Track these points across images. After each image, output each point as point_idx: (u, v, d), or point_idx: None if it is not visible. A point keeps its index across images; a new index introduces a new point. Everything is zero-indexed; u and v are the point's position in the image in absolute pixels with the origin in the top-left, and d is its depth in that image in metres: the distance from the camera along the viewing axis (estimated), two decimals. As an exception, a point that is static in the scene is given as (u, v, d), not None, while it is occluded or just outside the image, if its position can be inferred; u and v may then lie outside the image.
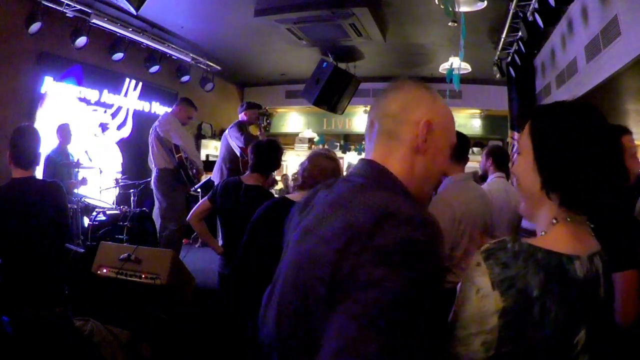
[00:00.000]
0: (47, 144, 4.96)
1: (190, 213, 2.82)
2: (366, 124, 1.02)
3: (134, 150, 6.64)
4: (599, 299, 0.85)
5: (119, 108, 6.61)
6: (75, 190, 4.75)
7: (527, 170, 0.91)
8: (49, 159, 4.71)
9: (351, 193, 0.88)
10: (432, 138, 0.95)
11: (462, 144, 2.60)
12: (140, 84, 6.87)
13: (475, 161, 5.64)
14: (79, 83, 5.87)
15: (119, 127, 6.64)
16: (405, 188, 0.92)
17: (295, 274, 0.83)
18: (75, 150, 5.16)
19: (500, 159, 3.36)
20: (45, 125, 5.27)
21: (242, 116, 5.29)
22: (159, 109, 7.19)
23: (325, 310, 0.75)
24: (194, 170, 4.73)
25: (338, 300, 0.74)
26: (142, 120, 6.71)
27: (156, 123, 4.70)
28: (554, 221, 0.88)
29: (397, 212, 0.78)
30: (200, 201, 2.88)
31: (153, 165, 4.70)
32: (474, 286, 0.80)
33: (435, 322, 0.82)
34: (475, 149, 8.58)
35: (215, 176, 5.17)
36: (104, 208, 5.09)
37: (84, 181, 4.90)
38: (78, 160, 4.93)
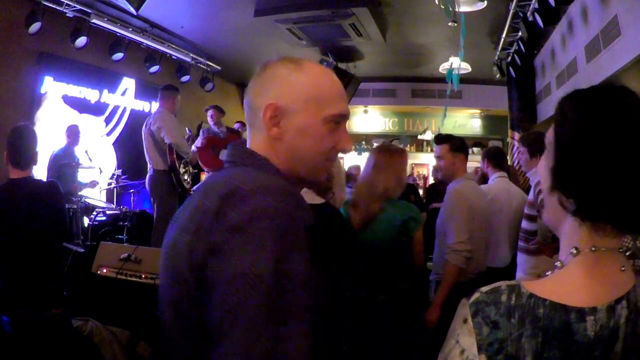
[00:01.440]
0: (47, 144, 4.98)
1: None
2: None
3: (134, 151, 6.62)
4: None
5: (115, 109, 6.58)
6: (80, 192, 4.74)
7: (546, 170, 0.73)
8: (55, 157, 4.72)
9: (212, 177, 0.87)
10: (287, 119, 0.86)
11: (467, 148, 2.72)
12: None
13: (474, 161, 5.65)
14: (79, 83, 5.88)
15: (110, 133, 6.59)
16: (277, 168, 0.87)
17: (165, 264, 0.82)
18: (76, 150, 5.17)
19: (496, 159, 3.39)
20: (45, 125, 5.28)
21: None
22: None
23: (195, 299, 0.73)
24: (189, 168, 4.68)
25: (204, 290, 0.72)
26: (141, 120, 6.69)
27: (150, 119, 4.56)
28: (573, 251, 0.68)
29: (243, 184, 0.75)
30: None
31: (149, 164, 4.61)
32: (458, 345, 0.68)
33: (320, 295, 0.78)
34: (475, 149, 8.59)
35: None
36: (104, 208, 5.10)
37: (93, 183, 4.90)
38: (78, 160, 4.93)
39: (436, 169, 3.03)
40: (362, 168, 4.22)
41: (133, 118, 6.83)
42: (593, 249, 0.67)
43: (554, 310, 0.64)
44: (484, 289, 0.69)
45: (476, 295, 0.69)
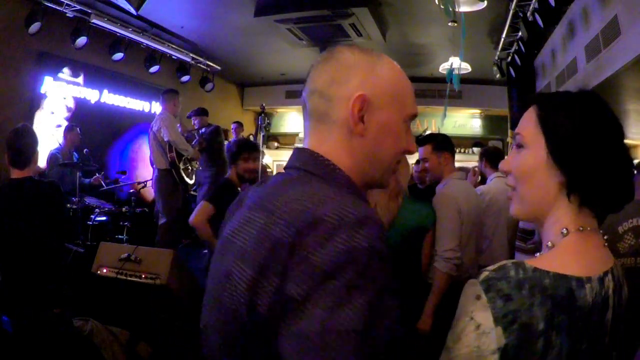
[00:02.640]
0: (47, 144, 4.98)
1: (193, 215, 2.81)
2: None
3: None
4: (605, 326, 0.75)
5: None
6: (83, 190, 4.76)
7: (539, 167, 0.77)
8: (52, 157, 4.74)
9: (277, 190, 0.72)
10: (372, 114, 0.76)
11: (452, 145, 2.62)
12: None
13: (474, 161, 5.65)
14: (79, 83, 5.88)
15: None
16: (348, 177, 0.76)
17: (216, 291, 0.70)
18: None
19: (493, 159, 3.39)
20: (44, 126, 5.28)
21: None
22: (159, 109, 7.17)
23: (255, 338, 0.63)
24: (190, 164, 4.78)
25: (270, 333, 0.60)
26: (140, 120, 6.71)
27: (152, 122, 4.79)
28: (564, 231, 0.76)
29: (326, 216, 0.62)
30: (201, 204, 2.86)
31: (153, 166, 4.74)
32: (472, 322, 0.70)
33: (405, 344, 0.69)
34: (475, 149, 8.58)
35: None
36: (104, 208, 5.10)
37: (96, 180, 4.94)
38: (78, 160, 4.93)
39: (416, 170, 2.89)
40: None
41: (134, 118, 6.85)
42: (580, 229, 0.76)
43: (558, 279, 0.71)
44: (490, 267, 0.74)
45: (485, 273, 0.73)
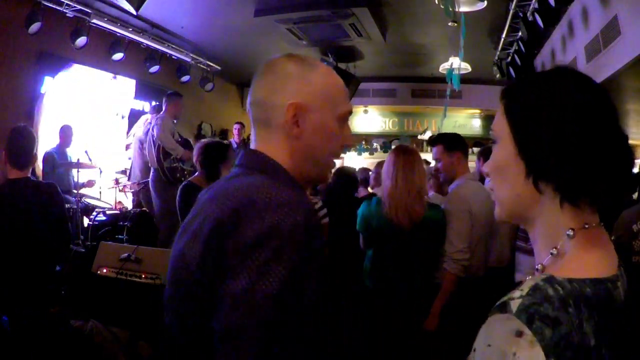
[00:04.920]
0: (47, 144, 4.98)
1: None
2: None
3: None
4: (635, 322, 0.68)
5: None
6: (75, 191, 4.76)
7: (509, 162, 0.70)
8: (48, 155, 4.74)
9: (227, 183, 0.84)
10: (305, 118, 0.87)
11: (465, 144, 2.63)
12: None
13: (474, 161, 5.65)
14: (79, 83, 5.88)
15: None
16: (286, 172, 0.87)
17: (173, 272, 0.81)
18: (75, 150, 5.16)
19: None
20: (44, 126, 5.27)
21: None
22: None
23: (202, 311, 0.73)
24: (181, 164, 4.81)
25: (212, 304, 0.71)
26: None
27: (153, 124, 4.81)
28: (570, 233, 0.66)
29: (259, 197, 0.74)
30: None
31: (152, 167, 4.77)
32: None
33: (321, 316, 0.78)
34: (475, 149, 8.58)
35: None
36: (104, 208, 5.10)
37: (90, 183, 4.93)
38: (78, 160, 4.93)
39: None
40: (369, 171, 4.25)
41: (134, 117, 6.84)
42: (586, 226, 0.66)
43: (597, 285, 0.62)
44: (517, 293, 0.61)
45: (517, 301, 0.60)
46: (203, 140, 3.33)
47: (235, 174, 0.88)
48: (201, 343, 0.75)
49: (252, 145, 0.92)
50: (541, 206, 0.68)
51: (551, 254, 0.68)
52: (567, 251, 0.67)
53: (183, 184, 3.07)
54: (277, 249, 0.70)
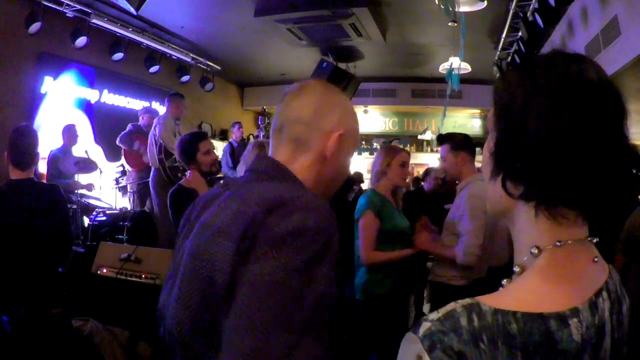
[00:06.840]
0: (48, 144, 4.97)
1: None
2: (273, 125, 0.98)
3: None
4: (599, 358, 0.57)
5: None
6: (77, 191, 4.76)
7: (486, 156, 0.63)
8: (53, 157, 4.72)
9: (246, 185, 0.87)
10: (341, 147, 0.94)
11: (472, 144, 2.64)
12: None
13: (475, 161, 5.64)
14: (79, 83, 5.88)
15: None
16: (302, 183, 0.91)
17: (195, 267, 0.80)
18: (75, 150, 5.16)
19: None
20: (45, 126, 5.27)
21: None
22: (159, 109, 7.18)
23: (226, 304, 0.74)
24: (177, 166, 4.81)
25: (235, 293, 0.73)
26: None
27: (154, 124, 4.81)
28: (534, 251, 0.57)
29: (289, 199, 0.78)
30: None
31: (152, 167, 4.78)
32: None
33: (334, 306, 0.80)
34: (475, 149, 8.58)
35: None
36: (104, 208, 5.09)
37: (89, 187, 4.92)
38: (86, 151, 4.93)
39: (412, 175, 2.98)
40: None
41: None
42: (558, 243, 0.56)
43: (529, 322, 0.52)
44: (433, 315, 0.55)
45: (426, 325, 0.54)
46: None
47: (253, 178, 0.91)
48: (210, 343, 0.75)
49: (272, 154, 0.95)
50: (518, 212, 0.60)
51: (513, 271, 0.60)
52: (525, 272, 0.58)
53: (173, 188, 2.83)
54: (300, 246, 0.74)
